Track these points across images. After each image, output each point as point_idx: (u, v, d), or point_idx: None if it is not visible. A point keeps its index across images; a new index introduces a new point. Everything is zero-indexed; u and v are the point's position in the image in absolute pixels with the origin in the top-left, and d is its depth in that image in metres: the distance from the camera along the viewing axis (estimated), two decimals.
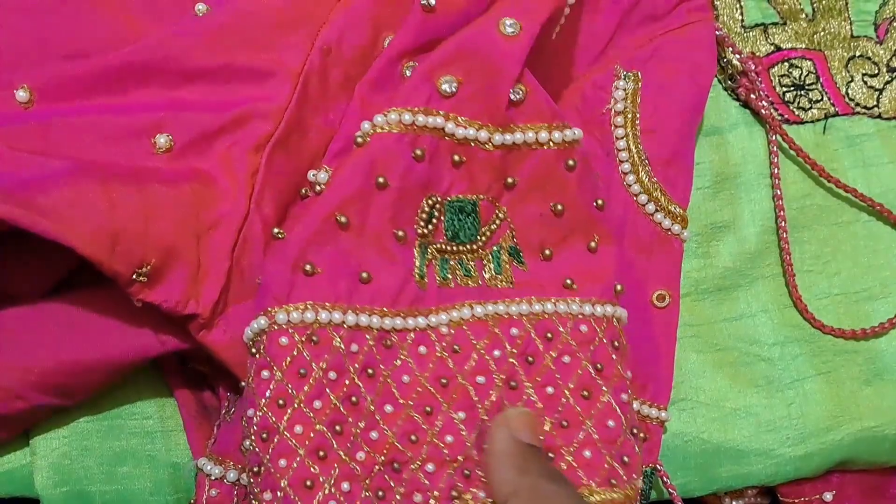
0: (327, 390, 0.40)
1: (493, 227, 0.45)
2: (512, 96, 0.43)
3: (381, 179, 0.42)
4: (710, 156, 0.54)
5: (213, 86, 0.46)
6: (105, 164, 0.43)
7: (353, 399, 0.41)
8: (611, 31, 0.52)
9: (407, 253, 0.43)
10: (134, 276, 0.41)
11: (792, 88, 0.56)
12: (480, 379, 0.43)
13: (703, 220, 0.53)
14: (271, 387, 0.40)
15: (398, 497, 0.41)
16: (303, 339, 0.40)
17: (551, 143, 0.44)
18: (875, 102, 0.56)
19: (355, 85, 0.45)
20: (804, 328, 0.53)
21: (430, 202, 0.43)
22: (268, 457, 0.39)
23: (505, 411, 0.42)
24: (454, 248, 0.44)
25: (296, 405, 0.40)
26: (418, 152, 0.43)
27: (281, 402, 0.40)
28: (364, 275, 0.42)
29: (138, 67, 0.45)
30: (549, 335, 0.43)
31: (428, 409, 0.42)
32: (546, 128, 0.44)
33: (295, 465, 0.39)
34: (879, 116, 0.56)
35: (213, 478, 0.45)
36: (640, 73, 0.50)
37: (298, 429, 0.40)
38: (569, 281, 0.44)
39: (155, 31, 0.46)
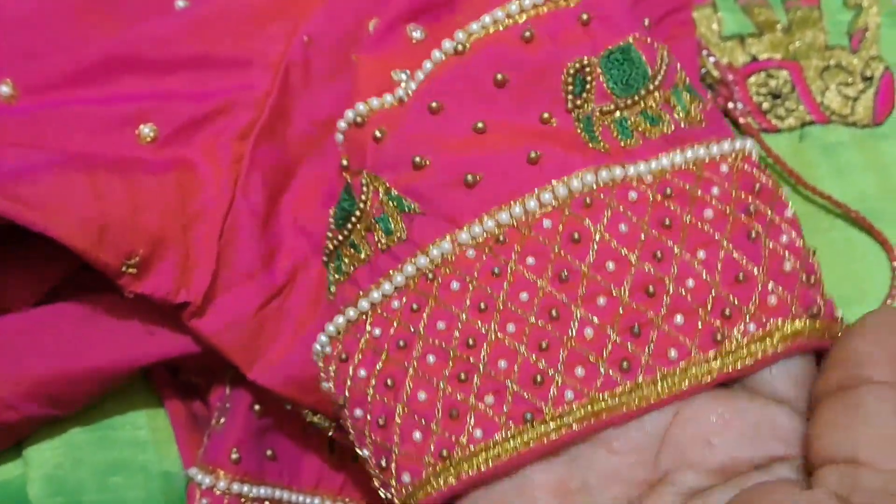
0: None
1: (661, 65, 0.39)
2: None
3: (498, 77, 0.38)
4: None
5: (195, 74, 0.46)
6: (90, 155, 0.43)
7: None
8: None
9: (565, 129, 0.38)
10: (123, 268, 0.41)
11: (769, 97, 0.57)
12: (708, 214, 0.36)
13: None
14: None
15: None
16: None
17: None
18: (850, 111, 0.57)
19: (340, 73, 0.45)
20: None
21: (572, 70, 0.38)
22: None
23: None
24: (628, 101, 0.38)
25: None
26: (527, 34, 0.39)
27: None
28: (533, 154, 0.37)
29: (120, 57, 0.46)
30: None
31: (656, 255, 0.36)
32: None
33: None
34: (854, 125, 0.57)
35: (203, 487, 0.45)
36: None
37: (441, 325, 0.36)
38: None
39: (135, 23, 0.47)
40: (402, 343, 0.37)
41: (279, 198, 0.46)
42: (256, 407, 0.47)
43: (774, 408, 0.34)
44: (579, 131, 0.38)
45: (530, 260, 0.36)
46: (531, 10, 0.39)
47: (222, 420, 0.47)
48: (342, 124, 0.41)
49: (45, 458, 0.47)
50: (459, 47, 0.39)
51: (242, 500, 0.46)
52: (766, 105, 0.57)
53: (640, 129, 0.38)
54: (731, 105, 0.55)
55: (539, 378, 0.34)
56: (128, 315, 0.45)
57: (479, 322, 0.36)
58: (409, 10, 0.42)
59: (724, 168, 0.38)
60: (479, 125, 0.38)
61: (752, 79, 0.57)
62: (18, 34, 0.47)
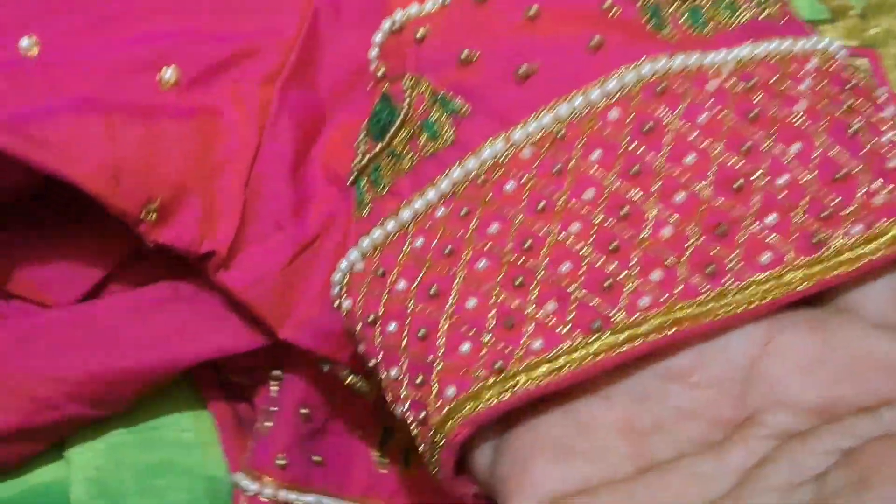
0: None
1: None
2: None
3: None
4: None
5: (220, 16, 0.44)
6: (109, 99, 0.41)
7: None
8: None
9: (629, 17, 0.35)
10: (142, 215, 0.40)
11: None
12: (799, 107, 0.33)
13: None
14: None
15: None
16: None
17: None
18: None
19: (372, 18, 0.41)
20: None
21: None
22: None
23: None
24: None
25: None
26: None
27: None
28: (594, 40, 0.34)
29: (142, 2, 0.44)
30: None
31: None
32: None
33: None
34: None
35: (248, 493, 0.44)
36: None
37: (494, 228, 0.33)
38: None
39: None
40: (448, 250, 0.33)
41: (309, 147, 0.44)
42: (303, 410, 0.45)
43: (880, 335, 0.30)
44: (645, 20, 0.34)
45: (595, 155, 0.32)
46: None
47: (268, 423, 0.45)
48: (378, 37, 0.38)
49: (88, 459, 0.45)
50: None
51: None
52: None
53: (714, 18, 0.34)
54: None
55: (608, 283, 0.31)
56: (173, 313, 0.44)
57: (538, 223, 0.32)
58: None
59: (811, 64, 0.33)
60: (532, 11, 0.34)
61: None
62: None
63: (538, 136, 0.33)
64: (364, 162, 0.38)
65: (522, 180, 0.33)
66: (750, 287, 0.30)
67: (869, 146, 0.32)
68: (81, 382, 0.42)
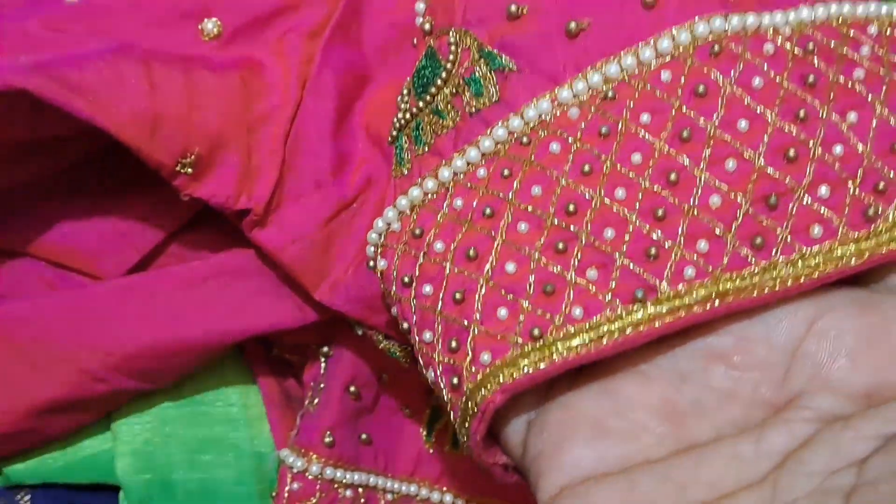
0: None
1: None
2: None
3: None
4: None
5: None
6: (149, 47, 0.40)
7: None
8: None
9: None
10: (178, 167, 0.39)
11: None
12: (859, 74, 0.31)
13: None
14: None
15: None
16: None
17: None
18: None
19: None
20: None
21: None
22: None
23: None
24: None
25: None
26: None
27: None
28: None
29: None
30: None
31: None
32: None
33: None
34: None
35: (294, 471, 0.43)
36: None
37: (537, 189, 0.32)
38: None
39: None
40: (488, 211, 0.32)
41: (352, 104, 0.42)
42: (352, 388, 0.44)
43: None
44: None
45: (645, 117, 0.31)
46: None
47: (316, 401, 0.44)
48: None
49: (135, 432, 0.45)
50: None
51: (335, 485, 0.44)
52: None
53: None
54: None
55: (653, 251, 0.29)
56: (222, 287, 0.43)
57: (583, 186, 0.31)
58: None
59: (872, 29, 0.32)
60: None
61: None
62: None
63: (586, 96, 0.32)
64: (406, 118, 0.37)
65: (569, 141, 0.32)
66: (799, 261, 0.29)
67: None
68: (130, 356, 0.42)
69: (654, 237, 0.30)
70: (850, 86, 0.31)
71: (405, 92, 0.38)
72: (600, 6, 0.33)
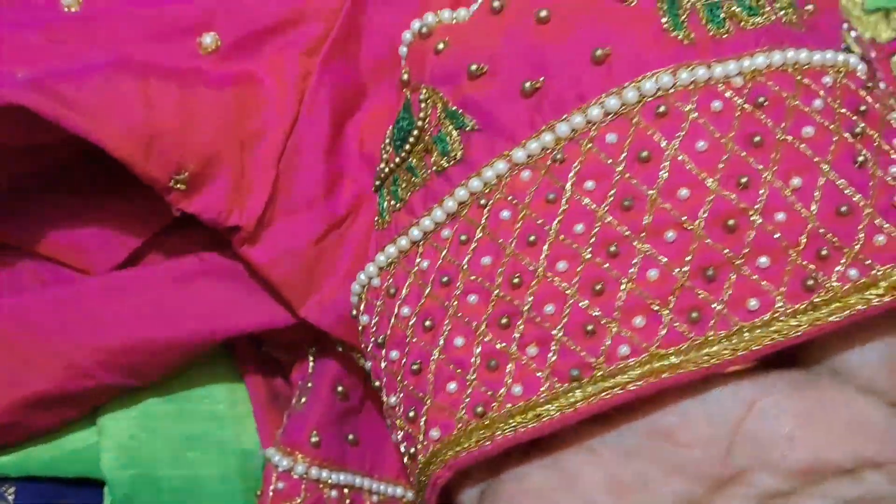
0: None
1: None
2: None
3: None
4: None
5: None
6: (146, 61, 0.40)
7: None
8: None
9: (645, 9, 0.34)
10: (171, 183, 0.39)
11: None
12: (808, 131, 0.32)
13: None
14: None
15: None
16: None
17: None
18: None
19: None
20: None
21: None
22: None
23: None
24: None
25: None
26: None
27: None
28: (599, 52, 0.33)
29: None
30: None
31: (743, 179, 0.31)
32: None
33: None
34: None
35: (280, 470, 0.43)
36: None
37: (487, 259, 0.34)
38: None
39: None
40: (445, 279, 0.33)
41: (346, 122, 0.42)
42: (339, 388, 0.44)
43: (867, 400, 0.30)
44: (661, 13, 0.33)
45: (589, 184, 0.32)
46: None
47: (303, 400, 0.44)
48: (407, 35, 0.38)
49: (121, 427, 0.45)
50: None
51: (321, 485, 0.44)
52: None
53: (734, 17, 0.33)
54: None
55: (591, 327, 0.30)
56: (211, 285, 0.43)
57: (528, 259, 0.32)
58: None
59: (826, 79, 0.33)
60: (543, 13, 0.33)
61: None
62: None
63: (538, 157, 0.33)
64: (385, 171, 0.38)
65: (518, 208, 0.33)
66: (735, 336, 0.30)
67: (876, 179, 0.31)
68: (118, 352, 0.42)
69: (592, 313, 0.31)
70: (797, 146, 0.31)
71: (387, 140, 0.39)
72: (553, 63, 0.33)
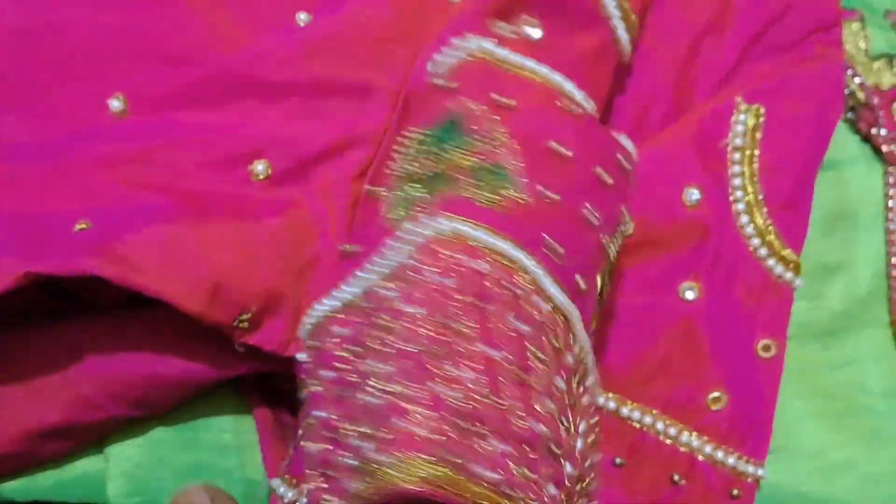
0: None
1: None
2: None
3: None
4: (826, 192, 0.51)
5: (312, 101, 0.44)
6: (201, 196, 0.41)
7: None
8: (736, 57, 0.49)
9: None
10: (235, 324, 0.40)
11: None
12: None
13: (814, 259, 0.50)
14: None
15: None
16: None
17: None
18: None
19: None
20: None
21: None
22: None
23: None
24: None
25: None
26: None
27: None
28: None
29: (235, 77, 0.44)
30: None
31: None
32: None
33: None
34: None
35: (285, 501, 0.43)
36: (761, 108, 0.48)
37: None
38: None
39: (253, 39, 0.45)
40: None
41: None
42: None
43: None
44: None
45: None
46: None
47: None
48: None
49: (127, 455, 0.45)
50: None
51: None
52: None
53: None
54: (874, 131, 0.51)
55: None
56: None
57: None
58: None
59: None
60: None
61: None
62: (126, 42, 0.45)
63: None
64: None
65: None
66: None
67: None
68: (128, 385, 0.42)
69: None
70: None
71: None
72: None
